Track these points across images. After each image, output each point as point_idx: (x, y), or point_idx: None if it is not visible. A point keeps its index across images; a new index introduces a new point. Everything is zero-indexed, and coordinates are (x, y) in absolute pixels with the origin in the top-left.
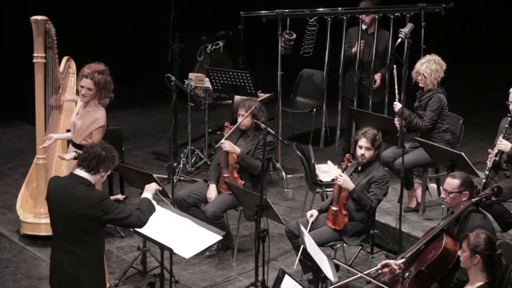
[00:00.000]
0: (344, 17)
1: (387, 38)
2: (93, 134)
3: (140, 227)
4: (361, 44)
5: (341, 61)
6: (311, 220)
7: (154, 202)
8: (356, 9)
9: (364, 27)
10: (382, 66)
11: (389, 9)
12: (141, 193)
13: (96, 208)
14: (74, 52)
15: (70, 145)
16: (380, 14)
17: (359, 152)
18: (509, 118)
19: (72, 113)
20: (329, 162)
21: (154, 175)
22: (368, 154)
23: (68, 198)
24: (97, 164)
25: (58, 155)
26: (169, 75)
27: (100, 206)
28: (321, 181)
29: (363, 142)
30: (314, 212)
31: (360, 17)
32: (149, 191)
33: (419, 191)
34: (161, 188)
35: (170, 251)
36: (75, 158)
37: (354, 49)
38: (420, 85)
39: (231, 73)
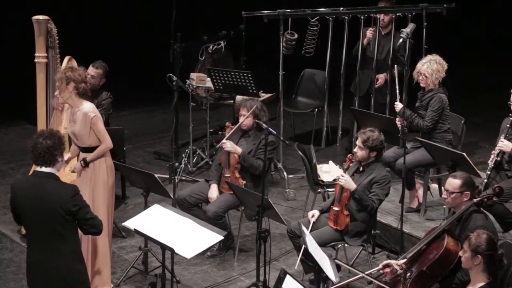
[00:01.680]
0: (346, 17)
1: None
2: (94, 129)
3: (98, 234)
4: (371, 32)
5: (342, 60)
6: (312, 220)
7: None
8: (357, 9)
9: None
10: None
11: (390, 9)
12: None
13: (70, 202)
14: (75, 52)
15: (80, 153)
16: (382, 14)
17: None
18: (511, 118)
19: None
20: (330, 162)
21: (156, 175)
22: (360, 153)
23: (40, 195)
24: (51, 155)
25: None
26: (171, 75)
27: (74, 201)
28: (322, 181)
29: (357, 141)
30: (316, 212)
31: (378, 16)
32: None
33: (420, 192)
34: None
35: (172, 251)
36: (83, 166)
37: (365, 40)
38: (421, 85)
39: (232, 73)
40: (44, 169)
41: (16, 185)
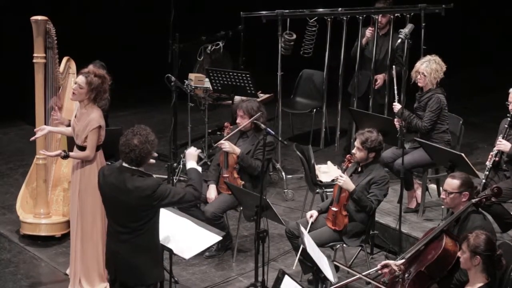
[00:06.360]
0: (344, 18)
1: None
2: (88, 136)
3: (198, 199)
4: (370, 32)
5: (341, 61)
6: (311, 220)
7: (199, 168)
8: (356, 9)
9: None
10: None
11: (389, 9)
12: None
13: (152, 198)
14: (74, 52)
15: (75, 147)
16: (381, 15)
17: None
18: (509, 119)
19: (72, 113)
20: (329, 162)
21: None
22: (359, 155)
23: (123, 190)
24: (144, 159)
25: (40, 151)
26: (169, 75)
27: (155, 195)
28: (321, 181)
29: (356, 142)
30: (314, 213)
31: (377, 17)
32: (191, 158)
33: (419, 192)
34: (200, 150)
35: (170, 251)
36: (62, 157)
37: (364, 40)
38: (419, 84)
39: (231, 73)
40: (133, 166)
41: (103, 172)
